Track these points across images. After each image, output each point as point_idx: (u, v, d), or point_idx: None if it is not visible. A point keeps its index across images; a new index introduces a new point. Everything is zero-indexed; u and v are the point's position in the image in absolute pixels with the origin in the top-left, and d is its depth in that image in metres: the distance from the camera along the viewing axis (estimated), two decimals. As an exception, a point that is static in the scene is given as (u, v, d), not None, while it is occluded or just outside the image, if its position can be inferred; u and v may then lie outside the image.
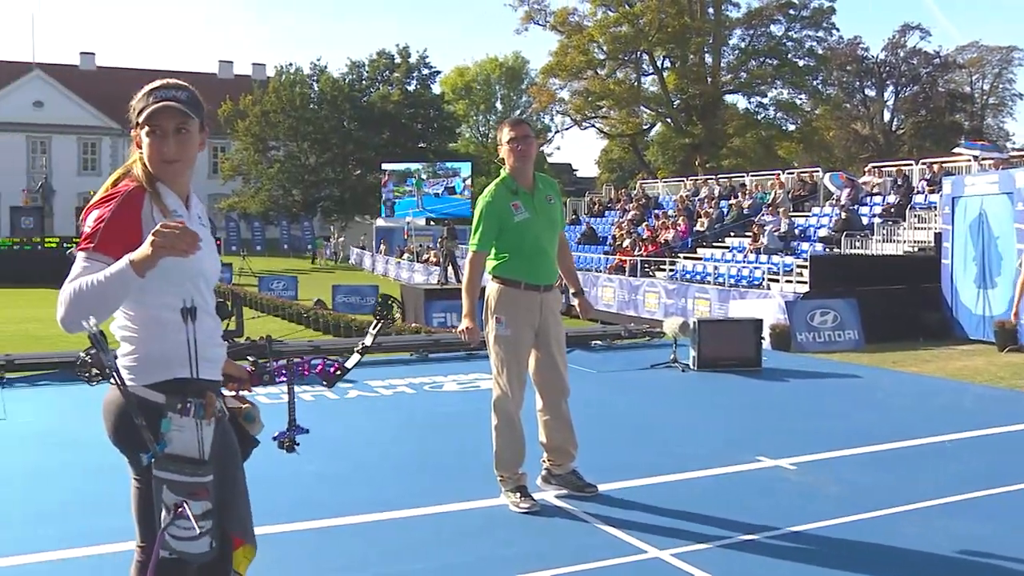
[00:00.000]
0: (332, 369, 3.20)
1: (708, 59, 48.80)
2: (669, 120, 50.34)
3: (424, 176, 43.18)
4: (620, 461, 5.81)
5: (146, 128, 2.42)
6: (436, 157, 53.75)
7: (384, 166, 46.12)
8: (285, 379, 3.13)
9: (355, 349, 3.31)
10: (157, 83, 2.50)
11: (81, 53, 69.51)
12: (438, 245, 26.82)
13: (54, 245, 32.04)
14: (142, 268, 2.17)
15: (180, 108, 2.43)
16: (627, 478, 5.39)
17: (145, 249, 2.16)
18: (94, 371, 2.95)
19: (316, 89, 59.27)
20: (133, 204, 2.36)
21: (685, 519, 4.66)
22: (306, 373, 3.15)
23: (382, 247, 43.29)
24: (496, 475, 4.92)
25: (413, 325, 16.40)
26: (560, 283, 5.22)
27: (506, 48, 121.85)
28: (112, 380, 2.30)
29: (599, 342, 11.25)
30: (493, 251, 4.90)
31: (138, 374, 2.40)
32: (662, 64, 49.45)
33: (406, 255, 38.28)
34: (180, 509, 2.28)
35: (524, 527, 4.56)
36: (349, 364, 3.23)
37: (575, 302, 5.31)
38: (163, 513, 2.31)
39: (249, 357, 3.10)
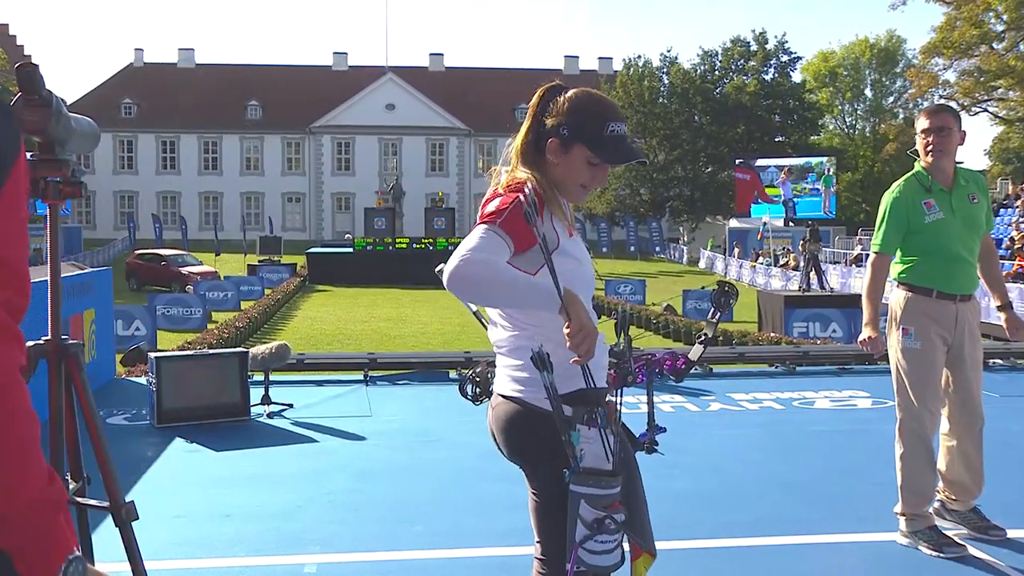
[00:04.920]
0: (679, 363, 3.27)
1: None
2: (1090, 99, 44.96)
3: (831, 170, 41.09)
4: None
5: (592, 159, 2.48)
6: (795, 152, 52.13)
7: (760, 161, 44.79)
8: (644, 379, 3.21)
9: (697, 340, 3.34)
10: (607, 103, 2.59)
11: (430, 54, 75.47)
12: (799, 248, 26.00)
13: (404, 246, 34.90)
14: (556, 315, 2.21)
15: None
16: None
17: (580, 319, 2.17)
18: (477, 390, 3.19)
19: (666, 82, 59.75)
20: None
21: None
22: (662, 371, 3.21)
23: (736, 250, 42.74)
24: (898, 512, 4.60)
25: (771, 335, 16.05)
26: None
27: (878, 27, 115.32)
28: (549, 398, 2.30)
29: (1000, 361, 10.32)
30: (899, 254, 4.62)
31: (540, 386, 2.42)
32: (1083, 30, 44.26)
33: (761, 259, 37.53)
34: (607, 522, 2.31)
35: (928, 570, 4.29)
36: (693, 356, 3.28)
37: (1000, 317, 4.86)
38: (578, 528, 2.33)
39: (611, 359, 3.22)
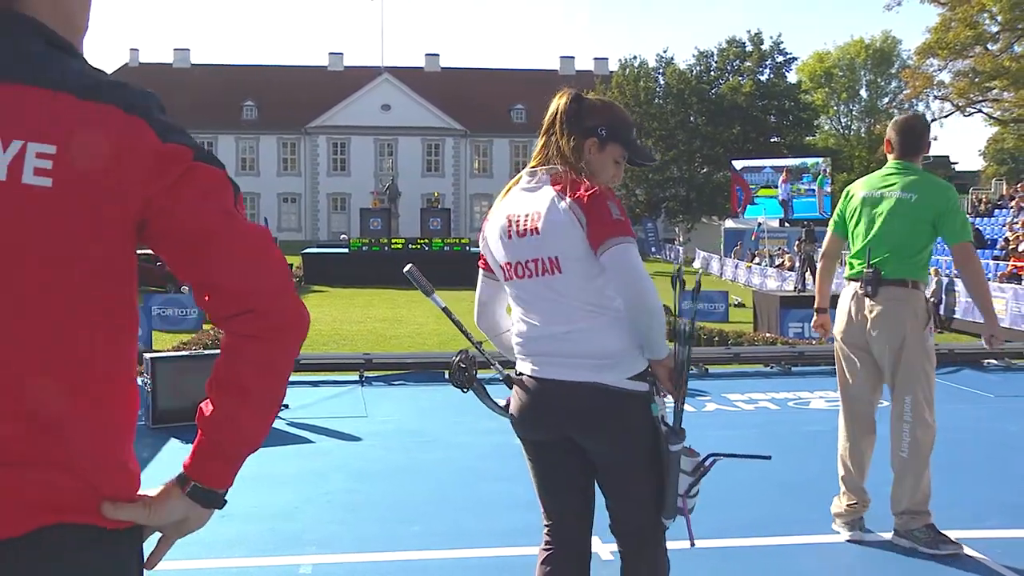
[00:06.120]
0: None
1: None
2: (1085, 99, 44.89)
3: (827, 170, 41.31)
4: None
5: (619, 157, 2.83)
6: (791, 152, 52.21)
7: (749, 163, 44.76)
8: None
9: None
10: (625, 111, 2.98)
11: (426, 55, 75.27)
12: (795, 248, 26.03)
13: (400, 247, 34.80)
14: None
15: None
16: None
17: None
18: (465, 376, 3.18)
19: (662, 83, 59.70)
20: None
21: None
22: None
23: (737, 248, 42.75)
24: (909, 514, 4.51)
25: (767, 335, 16.04)
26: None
27: (873, 28, 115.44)
28: (677, 366, 2.72)
29: (995, 361, 10.34)
30: (923, 254, 4.57)
31: (624, 369, 2.70)
32: (1077, 32, 44.22)
33: (756, 259, 37.56)
34: (706, 462, 2.76)
35: (925, 569, 4.30)
36: None
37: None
38: (681, 480, 2.73)
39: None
